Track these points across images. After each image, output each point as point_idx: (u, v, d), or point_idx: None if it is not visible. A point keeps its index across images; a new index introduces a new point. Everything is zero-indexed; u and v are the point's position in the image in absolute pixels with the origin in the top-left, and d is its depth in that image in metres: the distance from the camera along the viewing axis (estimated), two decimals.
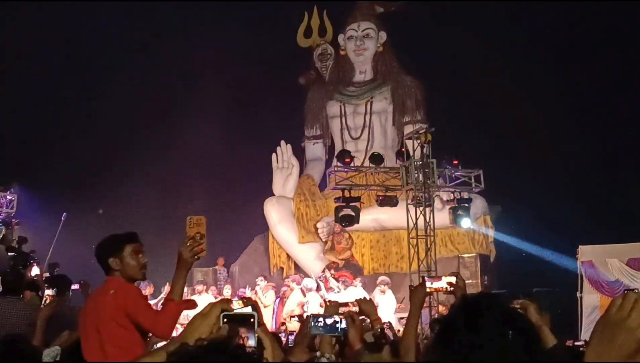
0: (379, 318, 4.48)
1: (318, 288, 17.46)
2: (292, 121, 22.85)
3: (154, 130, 22.37)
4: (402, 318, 15.35)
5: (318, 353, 3.84)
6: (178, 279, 4.40)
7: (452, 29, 21.91)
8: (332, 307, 4.42)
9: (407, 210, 17.14)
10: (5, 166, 21.16)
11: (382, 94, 21.89)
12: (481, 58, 21.80)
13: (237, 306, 2.42)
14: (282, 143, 20.74)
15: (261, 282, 18.09)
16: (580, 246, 17.96)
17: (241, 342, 2.22)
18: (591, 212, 19.48)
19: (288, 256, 20.67)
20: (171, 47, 23.54)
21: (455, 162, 17.91)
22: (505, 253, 20.00)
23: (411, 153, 17.52)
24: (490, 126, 21.46)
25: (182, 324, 5.82)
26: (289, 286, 17.91)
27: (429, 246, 16.76)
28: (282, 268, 20.73)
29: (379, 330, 4.33)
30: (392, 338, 5.93)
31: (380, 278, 17.78)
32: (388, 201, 17.87)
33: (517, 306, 3.65)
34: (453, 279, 4.40)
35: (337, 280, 17.76)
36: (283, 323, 16.69)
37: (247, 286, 19.01)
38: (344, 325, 3.63)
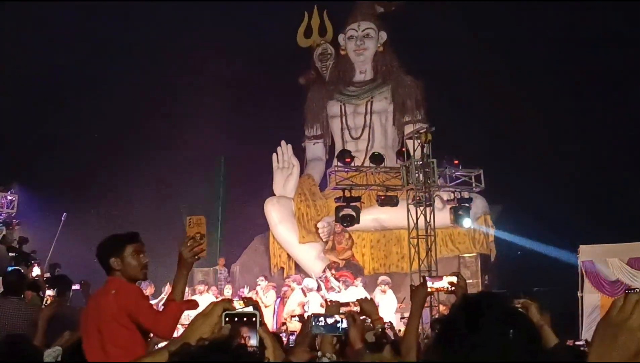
0: (380, 318, 4.48)
1: (319, 288, 17.47)
2: (292, 121, 22.85)
3: (154, 130, 22.37)
4: (403, 317, 15.38)
5: (319, 353, 3.84)
6: (179, 279, 4.41)
7: (452, 28, 21.90)
8: (333, 307, 4.42)
9: (408, 210, 17.14)
10: (5, 166, 21.16)
11: (383, 94, 21.89)
12: (481, 58, 21.80)
13: (239, 307, 2.42)
14: (283, 142, 20.74)
15: (262, 282, 18.10)
16: (580, 246, 17.96)
17: (243, 341, 2.22)
18: (591, 211, 19.48)
19: (289, 256, 20.66)
20: (171, 47, 23.53)
21: (456, 162, 17.92)
22: (506, 252, 20.00)
23: (411, 153, 17.52)
24: (490, 126, 21.47)
25: (183, 324, 5.81)
26: (289, 286, 17.92)
27: (429, 246, 16.76)
28: (282, 268, 20.73)
29: (380, 329, 4.33)
30: (393, 338, 5.93)
31: (381, 278, 17.79)
32: (388, 201, 17.87)
33: (518, 305, 3.65)
34: (454, 279, 4.40)
35: (337, 280, 17.76)
36: (284, 323, 16.69)
37: (246, 285, 19.03)
38: (345, 324, 3.63)
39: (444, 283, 4.40)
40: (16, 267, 12.80)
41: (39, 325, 5.56)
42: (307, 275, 18.90)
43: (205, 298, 16.04)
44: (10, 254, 16.60)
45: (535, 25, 22.83)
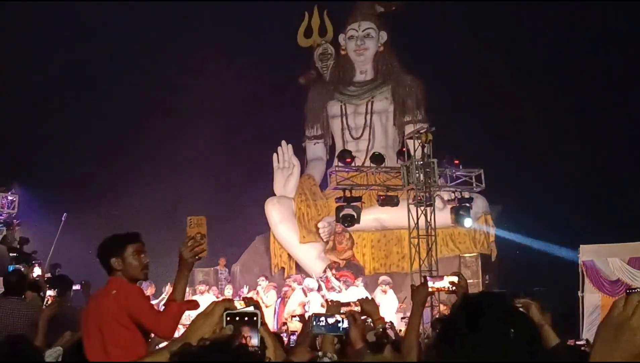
0: (381, 318, 4.48)
1: (319, 288, 17.47)
2: (292, 121, 22.85)
3: (155, 130, 22.37)
4: (403, 317, 15.38)
5: (320, 353, 3.84)
6: (180, 279, 4.41)
7: (452, 28, 21.90)
8: (334, 307, 4.42)
9: (408, 210, 17.14)
10: (6, 166, 21.17)
11: (383, 94, 21.88)
12: (481, 58, 21.80)
13: (239, 307, 2.41)
14: (283, 142, 20.73)
15: (262, 282, 18.11)
16: (581, 246, 17.94)
17: (244, 341, 2.22)
18: (592, 211, 19.48)
19: (289, 256, 20.66)
20: (172, 47, 23.53)
21: (456, 162, 17.94)
22: (506, 252, 20.00)
23: (412, 153, 17.53)
24: (490, 126, 21.46)
25: (184, 324, 5.81)
26: (290, 286, 17.92)
27: (430, 245, 16.77)
28: (283, 268, 20.73)
29: (381, 329, 4.33)
30: (393, 338, 5.93)
31: (382, 278, 17.80)
32: (389, 200, 17.88)
33: (519, 305, 3.65)
34: (455, 278, 4.40)
35: (338, 279, 17.77)
36: (284, 323, 16.70)
37: (245, 285, 19.04)
38: (345, 324, 3.63)
39: (445, 283, 4.39)
40: (17, 266, 12.83)
41: (40, 325, 5.56)
42: (308, 275, 18.90)
43: (206, 298, 16.05)
44: (11, 254, 16.63)
45: (536, 25, 22.83)
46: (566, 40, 22.42)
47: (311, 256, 19.93)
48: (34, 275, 14.63)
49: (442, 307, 15.36)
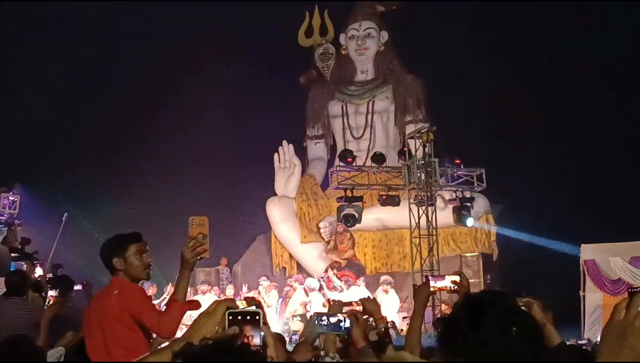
0: (383, 317, 4.48)
1: (321, 288, 17.47)
2: (293, 120, 22.85)
3: (155, 130, 22.35)
4: (405, 317, 15.38)
5: (322, 353, 3.84)
6: (181, 279, 4.40)
7: (453, 28, 21.89)
8: (336, 306, 4.42)
9: (410, 209, 17.15)
10: (7, 167, 21.18)
11: (384, 94, 21.89)
12: (482, 57, 21.79)
13: (241, 306, 2.41)
14: (284, 142, 20.72)
15: (264, 282, 18.11)
16: (582, 245, 17.93)
17: (246, 340, 2.22)
18: (593, 210, 19.47)
19: (290, 255, 20.66)
20: (172, 47, 23.53)
21: (457, 161, 17.94)
22: (508, 251, 19.99)
23: (413, 152, 17.55)
24: (491, 125, 21.46)
25: (185, 325, 5.81)
26: (291, 286, 17.92)
27: (431, 245, 16.78)
28: (284, 268, 20.73)
29: (383, 328, 4.32)
30: (395, 337, 5.93)
31: (383, 277, 17.80)
32: (390, 200, 17.89)
33: (521, 304, 3.64)
34: (457, 278, 4.39)
35: (339, 279, 17.76)
36: (285, 323, 16.69)
37: (245, 284, 19.04)
38: (347, 323, 3.64)
39: (447, 282, 4.39)
40: (19, 263, 12.83)
41: (42, 325, 5.56)
42: (309, 275, 18.90)
43: (208, 298, 16.04)
44: (13, 254, 16.63)
45: (536, 24, 22.81)
46: (566, 39, 22.40)
47: (312, 256, 19.93)
48: (36, 275, 14.63)
49: (443, 307, 15.36)
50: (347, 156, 18.68)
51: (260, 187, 21.36)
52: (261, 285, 18.04)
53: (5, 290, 7.20)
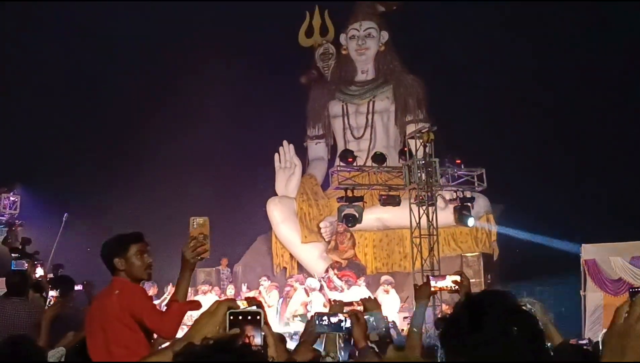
0: (384, 317, 4.48)
1: (321, 288, 17.46)
2: (294, 120, 22.85)
3: (156, 130, 22.36)
4: (406, 317, 15.37)
5: (323, 353, 3.84)
6: (182, 280, 4.40)
7: (453, 28, 21.90)
8: (337, 306, 4.42)
9: (410, 209, 17.15)
10: (8, 167, 21.18)
11: (384, 94, 21.88)
12: (483, 57, 21.80)
13: (242, 307, 2.41)
14: (285, 142, 20.72)
15: (265, 282, 18.10)
16: (583, 245, 17.93)
17: (247, 340, 2.22)
18: (594, 210, 19.47)
19: (291, 256, 20.66)
20: (173, 47, 23.53)
21: (458, 161, 17.93)
22: (508, 251, 19.98)
23: (414, 152, 17.54)
24: (492, 125, 21.45)
25: (186, 325, 5.81)
26: (292, 286, 17.91)
27: (432, 245, 16.78)
28: (285, 268, 20.73)
29: (384, 329, 4.32)
30: (396, 337, 5.93)
31: (384, 277, 17.79)
32: (391, 200, 17.88)
33: (523, 305, 3.64)
34: (458, 278, 4.39)
35: (340, 279, 17.76)
36: (286, 323, 16.69)
37: (244, 283, 19.05)
38: (348, 323, 3.64)
39: (448, 282, 4.39)
40: (21, 261, 12.81)
41: (43, 325, 5.56)
42: (310, 275, 18.90)
43: (209, 298, 16.03)
44: (13, 255, 16.60)
45: (537, 24, 22.82)
46: (567, 39, 22.41)
47: (313, 256, 19.93)
48: (37, 275, 14.61)
49: (444, 307, 15.35)
50: (348, 156, 18.69)
51: (260, 187, 21.36)
52: (262, 285, 18.04)
53: (6, 290, 7.19)
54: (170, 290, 15.78)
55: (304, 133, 22.74)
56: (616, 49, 21.65)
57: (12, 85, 21.95)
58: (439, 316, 14.36)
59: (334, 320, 3.64)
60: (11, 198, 20.87)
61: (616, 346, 1.86)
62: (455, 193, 18.19)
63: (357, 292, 16.38)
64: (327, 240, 19.93)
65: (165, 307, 4.54)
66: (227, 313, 2.26)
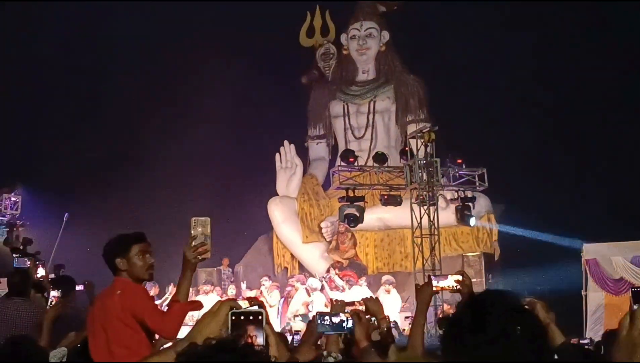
0: (386, 317, 4.48)
1: (322, 288, 17.46)
2: (295, 120, 22.85)
3: (157, 130, 22.37)
4: (407, 317, 15.37)
5: (325, 353, 3.84)
6: (183, 280, 4.39)
7: (454, 28, 21.90)
8: (338, 306, 4.42)
9: (411, 209, 17.14)
10: (9, 167, 21.18)
11: (385, 93, 21.88)
12: (484, 57, 21.79)
13: (244, 307, 2.41)
14: (286, 142, 20.72)
15: (266, 282, 18.09)
16: (584, 244, 17.92)
17: (249, 340, 2.22)
18: (595, 210, 19.46)
19: (292, 256, 20.66)
20: (173, 47, 23.54)
21: (459, 161, 17.92)
22: (509, 251, 19.98)
23: (415, 152, 17.52)
24: (493, 125, 21.45)
25: (187, 325, 5.80)
26: (293, 286, 17.91)
27: (433, 245, 16.78)
28: (286, 268, 20.73)
29: (386, 328, 4.33)
30: (398, 337, 5.93)
31: (385, 277, 17.78)
32: (392, 200, 17.87)
33: (525, 304, 3.64)
34: (460, 277, 4.39)
35: (341, 279, 17.76)
36: (288, 323, 16.68)
37: (244, 281, 19.04)
38: (350, 323, 3.63)
39: (450, 282, 4.39)
40: (24, 259, 12.79)
41: (44, 325, 5.56)
42: (311, 275, 18.90)
43: (210, 298, 16.03)
44: (15, 255, 16.60)
45: (537, 24, 22.82)
46: (567, 39, 22.41)
47: (314, 255, 19.93)
48: (38, 275, 14.62)
49: (445, 306, 15.34)
50: (349, 156, 18.68)
51: (261, 187, 21.35)
52: (263, 285, 18.03)
53: (7, 290, 7.19)
54: (171, 290, 15.80)
55: (305, 133, 22.74)
56: (616, 49, 21.65)
57: (13, 85, 21.95)
58: (440, 316, 14.37)
59: (335, 319, 3.64)
60: (12, 199, 20.87)
61: (624, 356, 1.85)
62: (456, 193, 18.18)
63: (358, 292, 16.39)
64: (328, 239, 19.94)
65: (167, 307, 4.53)
66: (230, 313, 2.26)
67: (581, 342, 11.88)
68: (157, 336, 4.43)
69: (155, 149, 22.03)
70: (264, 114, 22.78)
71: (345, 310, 3.98)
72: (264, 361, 2.16)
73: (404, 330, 13.82)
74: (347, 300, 11.63)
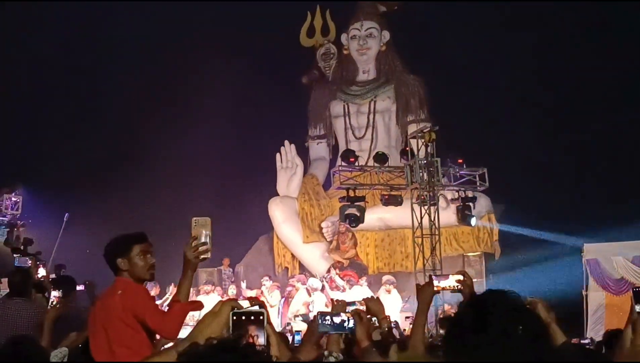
0: (387, 317, 4.48)
1: (323, 288, 17.46)
2: (295, 120, 22.85)
3: (157, 130, 22.37)
4: (407, 317, 15.36)
5: (326, 352, 3.84)
6: (184, 280, 4.39)
7: (454, 27, 21.90)
8: (339, 306, 4.42)
9: (412, 209, 17.13)
10: (10, 167, 21.19)
11: (386, 93, 21.88)
12: (484, 56, 21.79)
13: (245, 306, 2.41)
14: (286, 142, 20.72)
15: (266, 282, 18.09)
16: (585, 244, 17.93)
17: (251, 340, 2.22)
18: (596, 210, 19.45)
19: (293, 256, 20.66)
20: (173, 47, 23.54)
21: (460, 161, 17.91)
22: (510, 251, 19.98)
23: (415, 152, 17.51)
24: (493, 125, 21.45)
25: (188, 325, 5.80)
26: (294, 286, 17.91)
27: (433, 245, 16.77)
28: (286, 268, 20.73)
29: (387, 328, 4.33)
30: (398, 337, 5.92)
31: (386, 277, 17.77)
32: (393, 200, 17.87)
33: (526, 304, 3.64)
34: (461, 277, 4.39)
35: (342, 279, 17.75)
36: (288, 323, 16.68)
37: (243, 280, 19.04)
38: (351, 323, 3.63)
39: (451, 281, 4.39)
40: (25, 258, 12.79)
41: (45, 326, 5.56)
42: (312, 275, 18.90)
43: (211, 298, 16.05)
44: (15, 255, 16.60)
45: (537, 24, 22.82)
46: (567, 39, 22.41)
47: (315, 255, 19.92)
48: (39, 275, 14.62)
49: (446, 306, 15.34)
50: (350, 156, 18.68)
51: (262, 187, 21.35)
52: (264, 285, 18.03)
53: (8, 290, 7.19)
54: (172, 290, 15.81)
55: (306, 133, 22.75)
56: (616, 49, 21.64)
57: (13, 85, 21.96)
58: (441, 316, 14.37)
59: (337, 319, 3.64)
60: (13, 199, 20.87)
61: None
62: (457, 193, 18.18)
63: (359, 292, 16.38)
64: (328, 239, 19.93)
65: (167, 307, 4.53)
66: (231, 313, 2.26)
67: (582, 341, 11.89)
68: (158, 336, 4.43)
69: (155, 149, 22.03)
70: (264, 114, 22.79)
71: (347, 310, 3.97)
72: (265, 361, 2.16)
73: (404, 330, 13.81)
74: (347, 300, 11.64)
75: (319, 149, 22.55)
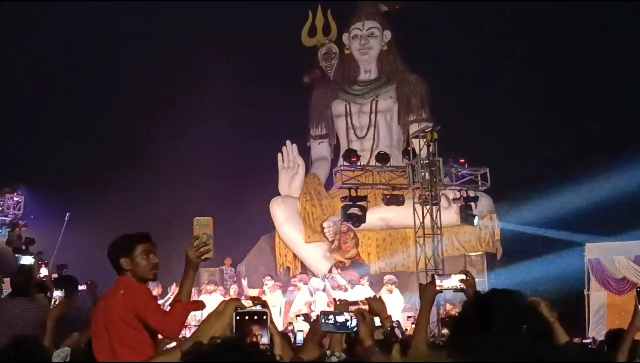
0: (389, 316, 4.47)
1: (325, 288, 17.46)
2: (297, 120, 22.86)
3: (159, 130, 22.37)
4: (409, 316, 15.37)
5: (328, 352, 3.83)
6: (186, 280, 4.39)
7: (456, 27, 21.90)
8: (342, 305, 4.42)
9: (414, 209, 17.13)
10: (10, 167, 21.19)
11: (387, 93, 21.89)
12: (485, 56, 21.79)
13: (247, 306, 2.42)
14: (288, 142, 20.73)
15: (268, 282, 18.10)
16: (586, 244, 17.93)
17: (254, 339, 2.22)
18: (597, 210, 19.45)
19: (294, 255, 20.67)
20: (173, 47, 23.55)
21: (462, 160, 17.92)
22: (512, 250, 19.98)
23: (417, 152, 17.51)
24: (495, 124, 21.44)
25: (190, 325, 5.80)
26: (296, 285, 17.92)
27: (435, 244, 16.76)
28: (288, 268, 20.74)
29: (389, 328, 4.32)
30: (401, 337, 5.92)
31: (387, 277, 17.77)
32: (394, 199, 17.87)
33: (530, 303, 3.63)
34: (464, 277, 4.39)
35: (344, 279, 17.75)
36: (290, 323, 16.69)
37: (245, 278, 19.05)
38: (354, 322, 3.63)
39: (453, 281, 4.38)
40: (27, 256, 12.79)
41: (47, 325, 5.56)
42: (313, 275, 18.92)
43: (214, 298, 16.05)
44: (17, 255, 16.61)
45: (537, 23, 22.81)
46: (569, 37, 22.40)
47: (316, 255, 19.94)
48: (41, 275, 14.62)
49: (448, 306, 15.35)
50: (351, 155, 18.69)
51: (263, 187, 21.36)
52: (265, 284, 18.04)
53: (11, 290, 7.19)
54: (174, 289, 15.82)
55: (307, 133, 22.77)
56: (616, 49, 21.64)
57: (13, 85, 21.96)
58: (442, 315, 14.38)
59: (340, 319, 3.63)
60: (15, 199, 20.85)
61: None
62: (458, 193, 18.18)
63: (360, 291, 16.39)
64: (330, 239, 19.93)
65: (169, 307, 4.54)
66: (234, 313, 2.26)
67: (584, 341, 11.88)
68: (160, 336, 4.43)
69: (155, 149, 22.02)
70: (265, 114, 22.78)
71: (349, 310, 3.97)
72: (269, 360, 2.16)
73: (406, 329, 13.81)
74: (350, 299, 11.64)
75: (320, 149, 22.55)
